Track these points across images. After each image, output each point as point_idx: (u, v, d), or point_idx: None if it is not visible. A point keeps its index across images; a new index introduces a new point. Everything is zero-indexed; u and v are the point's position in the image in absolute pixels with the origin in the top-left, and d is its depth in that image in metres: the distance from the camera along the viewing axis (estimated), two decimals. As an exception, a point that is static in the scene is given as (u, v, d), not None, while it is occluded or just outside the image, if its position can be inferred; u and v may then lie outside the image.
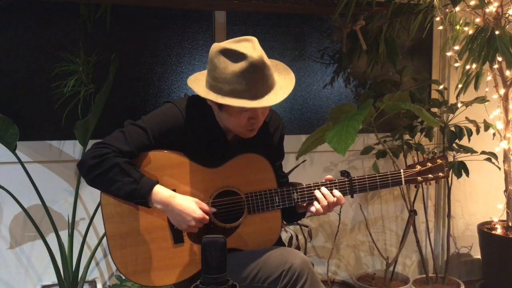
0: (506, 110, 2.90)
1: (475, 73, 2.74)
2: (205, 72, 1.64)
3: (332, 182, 1.74)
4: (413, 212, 2.95)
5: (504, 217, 2.98)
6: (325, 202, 1.71)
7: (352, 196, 1.77)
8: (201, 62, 2.88)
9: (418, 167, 1.79)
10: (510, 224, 2.94)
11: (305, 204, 1.77)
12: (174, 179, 1.66)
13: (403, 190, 3.08)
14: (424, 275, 3.14)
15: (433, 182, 1.81)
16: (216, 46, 1.57)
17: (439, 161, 1.80)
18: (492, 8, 2.69)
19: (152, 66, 2.80)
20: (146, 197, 1.59)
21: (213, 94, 1.57)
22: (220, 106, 1.61)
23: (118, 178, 1.58)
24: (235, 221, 1.71)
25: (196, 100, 1.69)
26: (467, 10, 2.81)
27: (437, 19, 2.89)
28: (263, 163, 1.73)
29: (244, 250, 1.72)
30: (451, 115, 3.03)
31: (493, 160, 2.85)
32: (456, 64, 2.86)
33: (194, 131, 1.68)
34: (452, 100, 3.16)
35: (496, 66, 2.79)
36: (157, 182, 1.61)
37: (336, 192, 1.72)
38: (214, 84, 1.57)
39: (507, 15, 2.74)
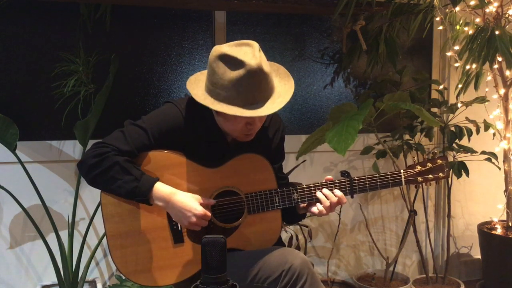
0: (506, 110, 2.90)
1: (475, 73, 2.74)
2: (206, 72, 1.64)
3: (332, 182, 1.74)
4: (413, 212, 2.95)
5: (504, 217, 2.98)
6: (327, 203, 1.71)
7: (352, 197, 1.77)
8: (201, 62, 2.88)
9: (418, 168, 1.79)
10: (510, 224, 2.94)
11: (306, 205, 1.78)
12: (174, 179, 1.66)
13: (403, 190, 3.08)
14: (424, 275, 3.14)
15: (433, 182, 1.81)
16: (216, 51, 1.57)
17: (439, 161, 1.80)
18: (492, 8, 2.69)
19: (152, 66, 2.80)
20: (147, 194, 1.59)
21: (210, 99, 1.58)
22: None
23: (118, 176, 1.58)
24: (235, 221, 1.71)
25: (196, 101, 1.69)
26: (467, 10, 2.81)
27: (437, 19, 2.89)
28: (263, 163, 1.73)
29: (244, 250, 1.72)
30: (451, 115, 3.03)
31: (493, 160, 2.85)
32: (456, 64, 2.86)
33: (194, 131, 1.69)
34: (452, 100, 3.16)
35: (496, 66, 2.79)
36: (158, 180, 1.62)
37: (337, 192, 1.72)
38: (212, 89, 1.58)
39: (507, 15, 2.74)
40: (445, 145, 2.98)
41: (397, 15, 2.85)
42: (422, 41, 3.24)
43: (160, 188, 1.60)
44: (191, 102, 1.70)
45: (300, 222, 2.74)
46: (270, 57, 2.96)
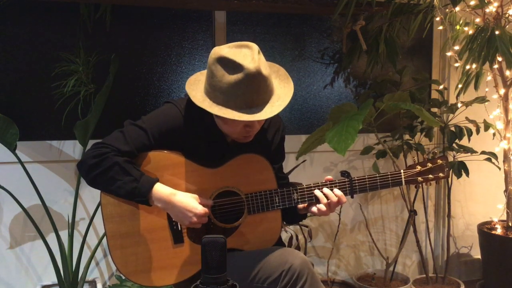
0: (506, 110, 2.90)
1: (475, 73, 2.73)
2: (205, 73, 1.64)
3: (332, 183, 1.74)
4: (413, 212, 2.95)
5: (504, 217, 2.98)
6: (327, 202, 1.70)
7: (352, 197, 1.77)
8: (201, 62, 2.88)
9: (419, 168, 1.79)
10: (510, 224, 2.94)
11: (306, 205, 1.77)
12: (173, 179, 1.66)
13: (403, 190, 3.08)
14: (424, 275, 3.14)
15: (433, 182, 1.81)
16: (215, 53, 1.56)
17: (439, 161, 1.79)
18: (492, 8, 2.69)
19: (152, 66, 2.80)
20: (147, 195, 1.59)
21: (208, 102, 1.58)
22: None
23: (118, 177, 1.58)
24: (235, 222, 1.71)
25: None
26: (467, 10, 2.81)
27: (437, 19, 2.89)
28: (263, 163, 1.73)
29: (244, 250, 1.72)
30: (451, 115, 3.03)
31: (493, 160, 2.85)
32: (456, 64, 2.86)
33: (194, 132, 1.68)
34: (452, 100, 3.16)
35: (496, 66, 2.79)
36: (157, 180, 1.62)
37: (337, 191, 1.72)
38: (210, 91, 1.58)
39: (507, 15, 2.74)
40: (445, 145, 2.98)
41: (397, 15, 2.85)
42: (422, 41, 3.24)
43: (160, 189, 1.60)
44: (191, 102, 1.70)
45: (300, 222, 2.75)
46: (270, 57, 2.97)
